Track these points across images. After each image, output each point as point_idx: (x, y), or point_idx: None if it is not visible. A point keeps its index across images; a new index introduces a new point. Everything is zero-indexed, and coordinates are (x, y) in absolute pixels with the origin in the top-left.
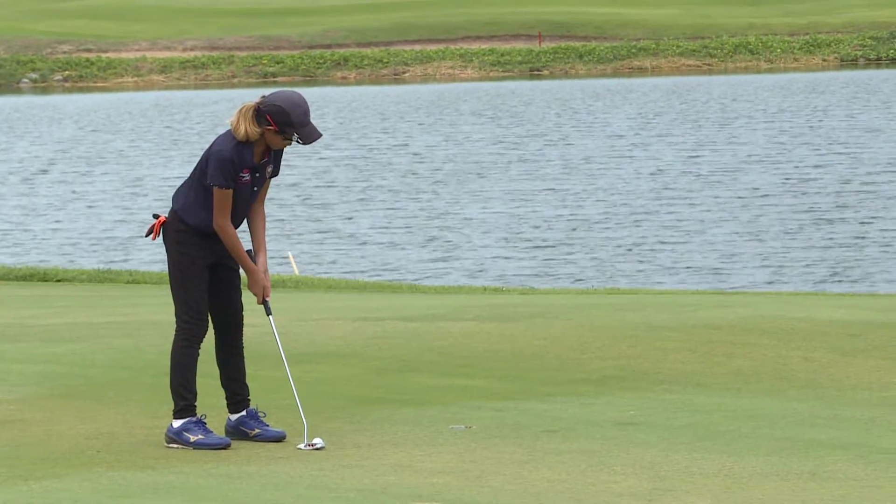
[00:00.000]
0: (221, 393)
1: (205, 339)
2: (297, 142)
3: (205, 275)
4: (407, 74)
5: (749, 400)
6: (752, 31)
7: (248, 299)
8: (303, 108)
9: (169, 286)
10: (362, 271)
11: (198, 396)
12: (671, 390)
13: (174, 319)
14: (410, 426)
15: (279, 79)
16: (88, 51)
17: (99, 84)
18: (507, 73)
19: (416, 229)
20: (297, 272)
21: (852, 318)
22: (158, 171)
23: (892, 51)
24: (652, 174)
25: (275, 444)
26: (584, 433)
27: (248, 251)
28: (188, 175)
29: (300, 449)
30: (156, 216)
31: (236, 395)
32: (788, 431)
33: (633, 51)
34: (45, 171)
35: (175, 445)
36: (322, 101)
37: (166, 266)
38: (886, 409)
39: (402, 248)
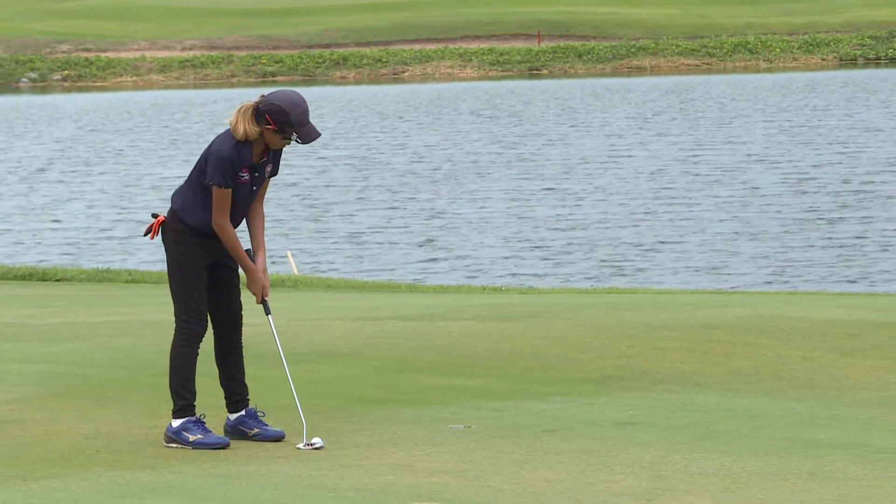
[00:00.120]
0: (220, 392)
1: (204, 339)
2: (296, 141)
3: (204, 274)
4: (406, 74)
5: (748, 400)
6: (751, 31)
7: (247, 299)
8: (302, 108)
9: (168, 286)
10: (361, 271)
11: (197, 396)
12: (670, 390)
13: (173, 319)
14: (409, 426)
15: (278, 78)
16: (87, 50)
17: (98, 84)
18: (506, 73)
19: (415, 229)
20: (295, 271)
21: (851, 317)
22: (157, 171)
23: (891, 50)
24: (651, 174)
25: (274, 443)
26: (584, 433)
27: (247, 250)
28: (187, 174)
29: (299, 448)
30: (155, 215)
31: (235, 394)
32: (787, 431)
33: (632, 50)
34: (44, 171)
35: (174, 445)
36: (321, 101)
37: (165, 265)
38: (885, 408)
39: (401, 247)
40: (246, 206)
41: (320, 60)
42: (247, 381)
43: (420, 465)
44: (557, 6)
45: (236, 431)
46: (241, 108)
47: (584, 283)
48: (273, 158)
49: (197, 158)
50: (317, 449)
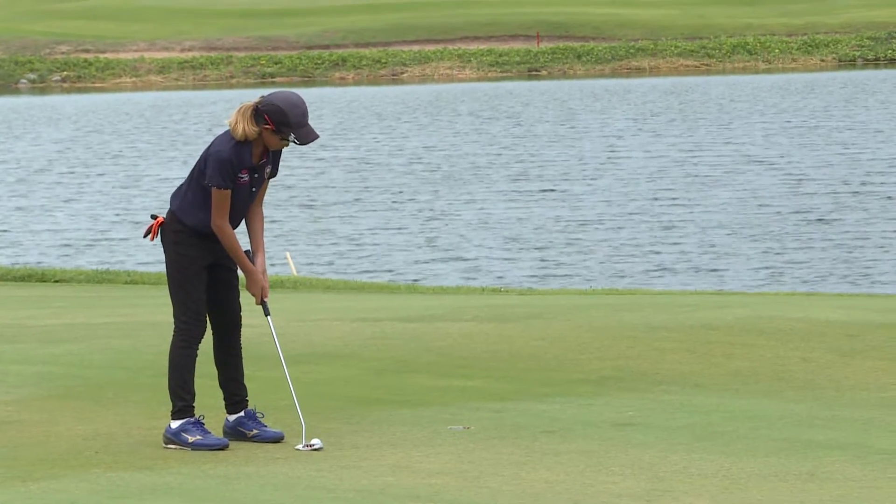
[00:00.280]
0: (219, 393)
1: (203, 340)
2: (294, 142)
3: (203, 275)
4: (405, 75)
5: (747, 401)
6: (750, 32)
7: (246, 300)
8: (301, 109)
9: (167, 287)
10: (361, 272)
11: (196, 397)
12: (669, 391)
13: (172, 320)
14: (409, 427)
15: (277, 79)
16: (87, 51)
17: (97, 84)
18: (505, 74)
19: (415, 230)
20: (295, 273)
21: (850, 318)
22: (156, 172)
23: (889, 51)
24: (650, 174)
25: (273, 444)
26: (583, 434)
27: (247, 252)
28: (186, 175)
29: (298, 450)
30: (154, 217)
31: (234, 395)
32: (787, 432)
33: (632, 51)
34: (43, 172)
35: (173, 446)
36: (320, 102)
37: (164, 267)
38: (884, 409)
39: (400, 248)
40: (245, 207)
41: (319, 61)
42: (246, 382)
43: (419, 466)
44: (556, 7)
45: (235, 432)
46: (241, 108)
47: (583, 284)
48: (272, 160)
49: (196, 159)
50: (316, 450)
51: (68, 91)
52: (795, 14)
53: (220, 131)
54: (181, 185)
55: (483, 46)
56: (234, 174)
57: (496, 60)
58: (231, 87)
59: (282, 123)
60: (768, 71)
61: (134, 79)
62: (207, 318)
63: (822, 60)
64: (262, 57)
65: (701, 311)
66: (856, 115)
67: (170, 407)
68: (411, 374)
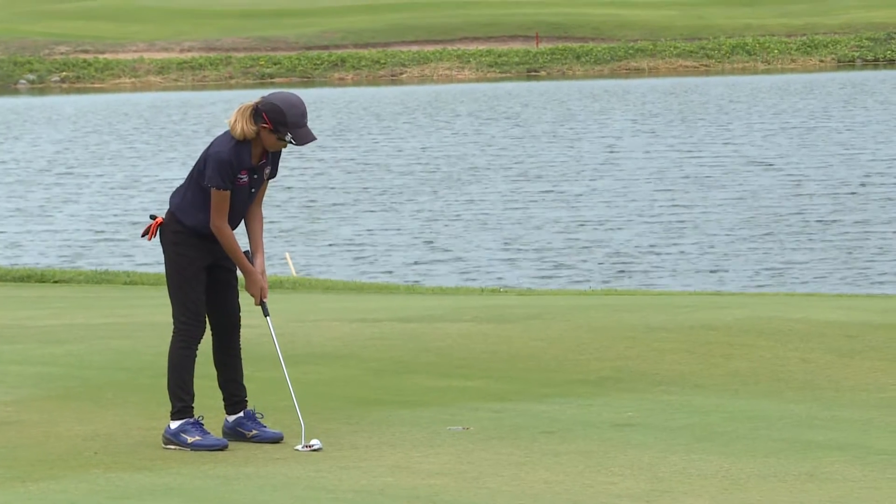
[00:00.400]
0: (219, 394)
1: (202, 341)
2: (291, 142)
3: (202, 276)
4: (404, 75)
5: (747, 401)
6: (749, 32)
7: (245, 300)
8: (299, 110)
9: (166, 287)
10: (360, 272)
11: (195, 398)
12: (669, 391)
13: (172, 321)
14: (408, 427)
15: (276, 80)
16: (86, 52)
17: (96, 85)
18: (504, 74)
19: (414, 230)
20: (294, 273)
21: (850, 319)
22: (155, 172)
23: (889, 52)
24: (649, 175)
25: (272, 445)
26: (582, 434)
27: (246, 252)
28: (185, 176)
29: (298, 450)
30: (153, 217)
31: (234, 396)
32: (786, 433)
33: (631, 52)
34: (42, 172)
35: (172, 447)
36: (319, 102)
37: (164, 267)
38: (884, 410)
39: (399, 249)
40: (244, 207)
41: (318, 62)
42: (245, 382)
43: (418, 466)
44: (556, 8)
45: (235, 433)
46: (241, 107)
47: (583, 284)
48: (271, 160)
49: (195, 160)
50: (315, 451)
51: (67, 92)
52: (794, 15)
53: (219, 132)
54: (180, 186)
55: (482, 47)
56: (234, 175)
57: (495, 61)
58: (230, 87)
59: (279, 123)
60: (767, 71)
61: (133, 79)
62: (207, 319)
63: (822, 61)
64: (262, 58)
65: (700, 311)
66: (855, 115)
67: (169, 407)
68: (410, 374)
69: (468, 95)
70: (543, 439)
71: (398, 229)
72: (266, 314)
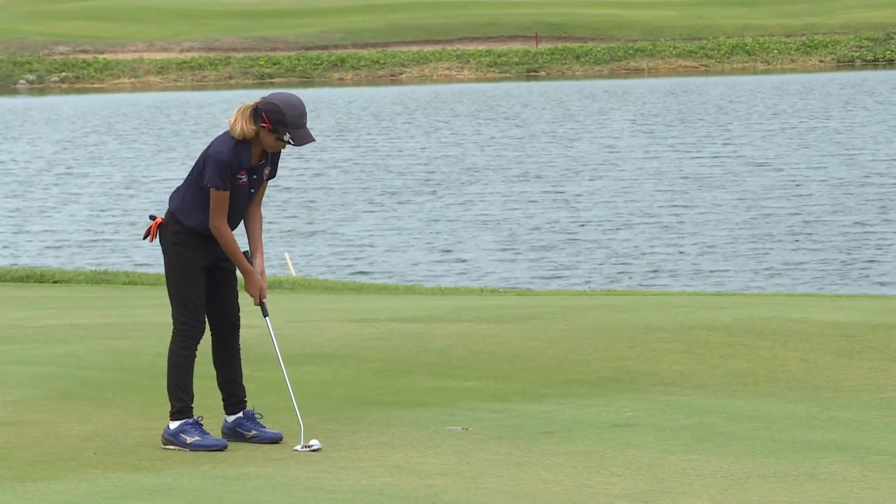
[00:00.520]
0: (218, 394)
1: (202, 341)
2: (289, 143)
3: (202, 276)
4: (404, 75)
5: (746, 401)
6: (748, 33)
7: (244, 301)
8: (299, 110)
9: (166, 288)
10: (359, 273)
11: (194, 398)
12: (668, 392)
13: (171, 321)
14: (407, 428)
15: (276, 80)
16: (85, 52)
17: (96, 85)
18: (503, 74)
19: (413, 230)
20: (293, 273)
21: (849, 319)
22: (155, 173)
23: (888, 52)
24: (649, 176)
25: (272, 445)
26: (581, 434)
27: (245, 252)
28: (185, 176)
29: (297, 451)
30: (152, 217)
31: (233, 396)
32: (785, 433)
33: (630, 52)
34: (41, 173)
35: (172, 447)
36: (319, 103)
37: (163, 267)
38: (883, 410)
39: (398, 249)
40: (244, 208)
41: (318, 62)
42: (245, 382)
43: (418, 466)
44: (555, 8)
45: (234, 433)
46: (241, 107)
47: (582, 285)
48: (271, 161)
49: (195, 160)
50: (314, 451)
51: (67, 92)
52: (794, 15)
53: (219, 132)
54: (180, 186)
55: (482, 47)
56: (233, 175)
57: (495, 61)
58: (230, 87)
59: (278, 123)
60: (767, 72)
61: (132, 79)
62: (206, 319)
63: (821, 61)
64: (261, 58)
65: (699, 311)
66: (854, 115)
67: (168, 408)
68: (410, 375)
69: (468, 96)
70: (543, 439)
71: (397, 229)
72: (265, 314)
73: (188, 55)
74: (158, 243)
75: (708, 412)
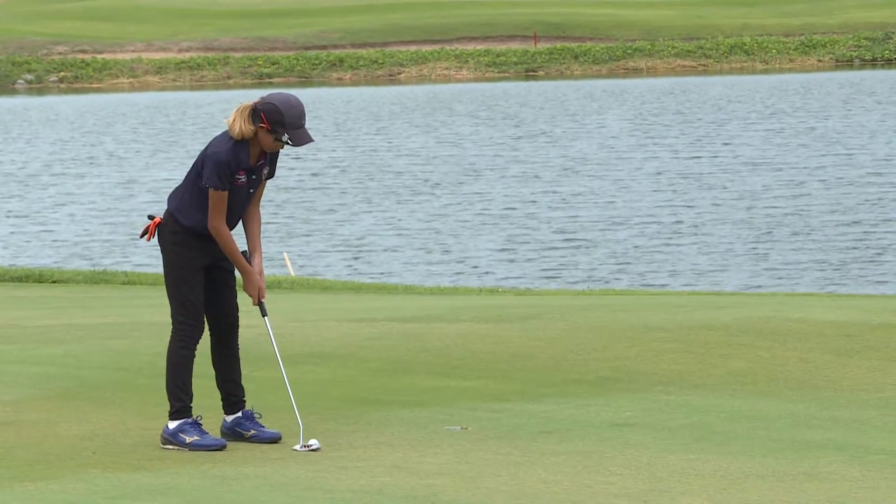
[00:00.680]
0: (217, 394)
1: (201, 341)
2: (288, 143)
3: (200, 276)
4: (402, 75)
5: (745, 401)
6: (747, 32)
7: (243, 300)
8: (297, 111)
9: (164, 287)
10: (358, 272)
11: (193, 397)
12: (667, 391)
13: (170, 321)
14: (406, 427)
15: (274, 80)
16: (84, 52)
17: (94, 85)
18: (502, 74)
19: (412, 230)
20: (292, 273)
21: (848, 319)
22: (154, 173)
23: (887, 51)
24: (648, 175)
25: (271, 445)
26: (580, 434)
27: (244, 252)
28: (183, 176)
29: (296, 450)
30: (151, 217)
31: (232, 396)
32: (784, 432)
33: (629, 51)
34: (40, 173)
35: (171, 447)
36: (318, 102)
37: (162, 267)
38: (882, 409)
39: (397, 248)
40: (242, 208)
41: (317, 62)
42: (243, 382)
43: (417, 466)
44: (554, 7)
45: (233, 433)
46: (240, 107)
47: (581, 284)
48: (269, 161)
49: (193, 160)
50: (313, 451)
51: (65, 92)
52: (793, 14)
53: (217, 132)
54: (178, 186)
55: (480, 47)
56: (232, 175)
57: (493, 61)
58: (228, 87)
59: (277, 123)
60: (766, 71)
61: (131, 79)
62: (205, 319)
63: (820, 61)
64: (260, 57)
65: (698, 311)
66: (853, 115)
67: (167, 407)
68: (409, 374)
69: (466, 95)
70: (542, 439)
71: (396, 229)
72: (264, 314)
73: (187, 55)
74: (157, 243)
75: (707, 412)
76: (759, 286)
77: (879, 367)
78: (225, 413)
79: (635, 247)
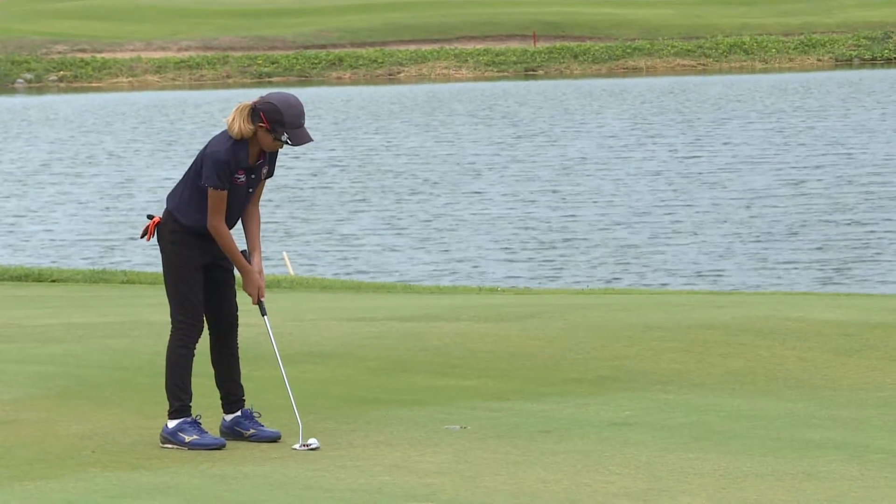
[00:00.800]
0: (216, 393)
1: (200, 340)
2: (287, 142)
3: (199, 275)
4: (402, 74)
5: (744, 400)
6: (746, 31)
7: (242, 299)
8: (297, 110)
9: (164, 286)
10: (357, 271)
11: (193, 397)
12: (666, 390)
13: (169, 320)
14: (405, 426)
15: (274, 79)
16: (83, 51)
17: (94, 84)
18: (501, 74)
19: (412, 230)
20: (291, 272)
21: (847, 318)
22: (153, 172)
23: (886, 51)
24: (647, 175)
25: (270, 444)
26: (579, 433)
27: (243, 251)
28: (182, 175)
29: (295, 449)
30: (150, 217)
31: (231, 395)
32: (783, 431)
33: (628, 51)
34: (39, 172)
35: (170, 446)
36: (317, 102)
37: (161, 266)
38: (881, 408)
39: (397, 248)
40: (241, 207)
41: (316, 61)
42: (243, 381)
43: (416, 465)
44: (553, 7)
45: (232, 432)
46: (240, 106)
47: (580, 283)
48: (269, 160)
49: (192, 159)
50: (313, 450)
51: (65, 91)
52: (792, 14)
53: (217, 131)
54: (177, 185)
55: (480, 46)
56: (231, 175)
57: (493, 60)
58: (228, 86)
59: (276, 122)
60: (765, 71)
61: (130, 79)
62: (204, 318)
63: (819, 60)
64: (259, 57)
65: (698, 310)
66: (853, 114)
67: (167, 406)
68: (408, 373)
69: (466, 95)
70: (541, 438)
71: (396, 228)
72: (263, 313)
73: (186, 54)
74: (156, 242)
75: (706, 411)
76: (759, 285)
77: (878, 366)
78: (224, 412)
79: (634, 246)
